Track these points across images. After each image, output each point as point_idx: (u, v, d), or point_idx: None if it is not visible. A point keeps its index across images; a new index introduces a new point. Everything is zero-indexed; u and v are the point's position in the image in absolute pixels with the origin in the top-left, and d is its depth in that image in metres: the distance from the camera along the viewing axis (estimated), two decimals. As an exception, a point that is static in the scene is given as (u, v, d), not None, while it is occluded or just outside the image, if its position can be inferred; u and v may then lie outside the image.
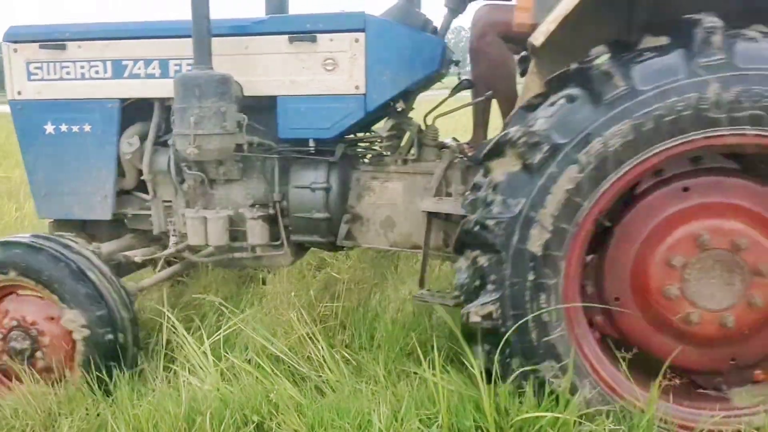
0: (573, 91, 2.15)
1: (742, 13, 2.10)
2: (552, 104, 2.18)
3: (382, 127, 3.36)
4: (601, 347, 2.43)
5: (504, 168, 2.23)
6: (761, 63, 2.00)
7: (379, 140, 3.35)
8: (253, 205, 3.20)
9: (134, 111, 3.27)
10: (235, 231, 3.18)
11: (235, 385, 2.63)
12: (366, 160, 3.33)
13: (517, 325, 2.24)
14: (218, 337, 2.97)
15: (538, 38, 2.23)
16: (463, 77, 3.44)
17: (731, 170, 2.34)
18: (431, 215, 2.84)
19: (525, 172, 2.18)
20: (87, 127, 3.34)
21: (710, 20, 2.03)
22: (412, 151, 3.22)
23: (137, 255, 3.25)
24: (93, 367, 2.70)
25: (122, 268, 3.33)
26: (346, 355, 2.94)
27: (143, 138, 3.24)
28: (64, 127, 3.39)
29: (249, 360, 2.86)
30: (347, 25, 2.93)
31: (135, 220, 3.41)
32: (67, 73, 3.33)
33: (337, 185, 3.10)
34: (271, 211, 3.17)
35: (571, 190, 2.14)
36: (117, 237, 3.45)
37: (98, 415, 2.56)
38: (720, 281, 2.27)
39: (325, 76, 2.98)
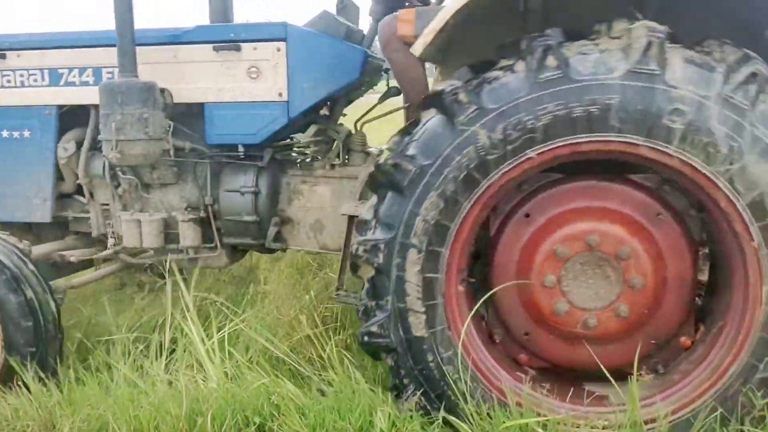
0: (432, 114, 2.24)
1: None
2: (417, 129, 2.26)
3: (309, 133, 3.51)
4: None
5: (382, 191, 2.31)
6: (591, 73, 2.08)
7: (307, 146, 3.46)
8: (186, 209, 3.31)
9: (72, 117, 3.38)
10: (171, 233, 3.29)
11: (236, 385, 2.63)
12: (298, 165, 3.44)
13: (400, 345, 2.34)
14: (221, 336, 2.97)
15: (417, 49, 2.35)
16: (393, 85, 3.53)
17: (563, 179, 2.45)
18: (352, 218, 2.87)
19: (398, 194, 2.25)
20: (26, 133, 3.44)
21: (544, 38, 2.12)
22: (341, 156, 3.32)
23: (73, 255, 3.36)
24: (14, 350, 2.82)
25: (60, 267, 3.43)
26: (349, 356, 2.93)
27: (80, 143, 3.35)
28: (5, 133, 3.48)
29: (251, 360, 2.87)
30: (269, 35, 3.06)
31: (76, 223, 3.53)
32: (8, 81, 3.44)
33: (266, 189, 3.21)
34: (203, 214, 3.28)
35: (436, 214, 2.21)
36: (61, 238, 3.59)
37: (99, 416, 2.55)
38: (594, 279, 2.40)
39: (250, 83, 3.11)
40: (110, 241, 3.43)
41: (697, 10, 2.35)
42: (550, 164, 2.24)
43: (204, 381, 2.67)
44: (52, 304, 2.97)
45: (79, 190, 3.47)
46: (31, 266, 2.97)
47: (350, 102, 3.67)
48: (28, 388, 2.73)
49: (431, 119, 2.23)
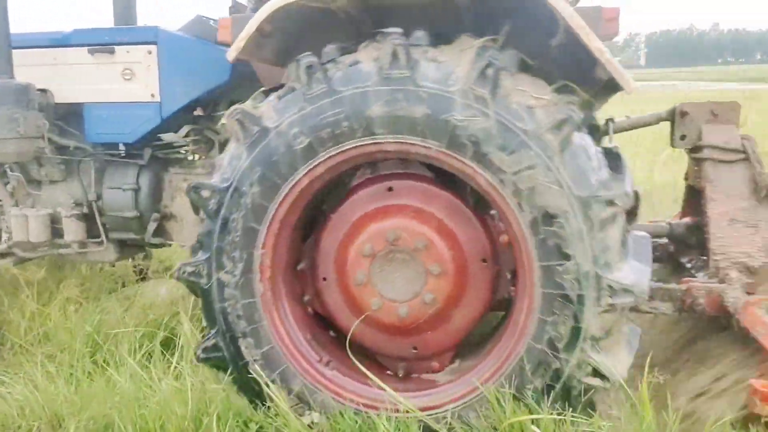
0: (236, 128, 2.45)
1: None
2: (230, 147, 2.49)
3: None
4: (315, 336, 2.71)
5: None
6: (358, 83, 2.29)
7: (186, 145, 3.53)
8: (72, 205, 3.42)
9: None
10: (61, 228, 3.39)
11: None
12: (180, 164, 3.56)
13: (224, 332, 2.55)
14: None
15: (231, 54, 2.54)
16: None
17: (428, 178, 2.61)
18: None
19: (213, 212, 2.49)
20: None
21: (308, 59, 2.33)
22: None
23: None
24: None
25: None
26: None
27: None
28: None
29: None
30: (141, 38, 3.21)
31: None
32: None
33: (147, 186, 3.34)
34: (86, 210, 3.40)
35: (256, 194, 2.42)
36: None
37: (105, 414, 2.57)
38: (402, 276, 2.53)
39: (124, 85, 3.25)
40: (4, 236, 3.53)
41: (506, 18, 2.44)
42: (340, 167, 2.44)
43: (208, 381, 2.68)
44: None
45: None
46: None
47: (233, 103, 3.74)
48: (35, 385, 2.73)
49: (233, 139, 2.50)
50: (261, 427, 2.50)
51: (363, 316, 2.57)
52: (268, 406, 2.49)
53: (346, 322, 2.68)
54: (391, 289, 2.55)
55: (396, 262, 2.54)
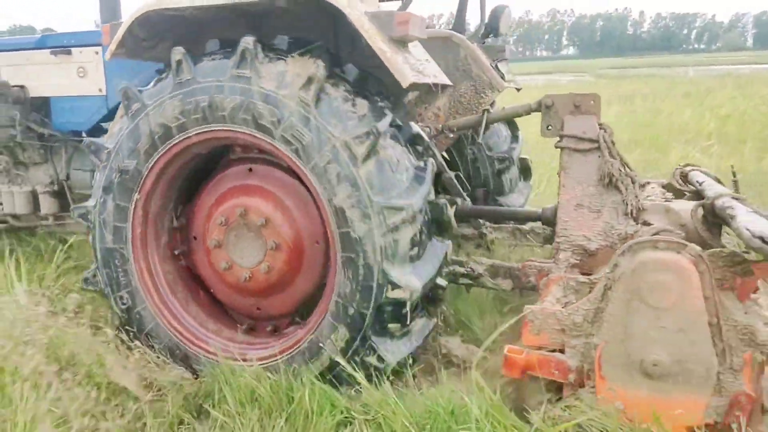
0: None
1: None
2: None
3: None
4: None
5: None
6: (210, 76, 2.71)
7: None
8: (48, 183, 4.20)
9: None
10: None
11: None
12: None
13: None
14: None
15: (107, 55, 3.02)
16: None
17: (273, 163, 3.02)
18: None
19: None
20: None
21: (178, 53, 2.74)
22: None
23: None
24: None
25: None
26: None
27: None
28: None
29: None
30: (90, 41, 3.80)
31: None
32: None
33: None
34: (56, 188, 4.15)
35: (131, 158, 2.92)
36: None
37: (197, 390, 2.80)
38: (249, 245, 2.95)
39: (79, 81, 3.93)
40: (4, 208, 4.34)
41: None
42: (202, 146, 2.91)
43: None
44: None
45: None
46: None
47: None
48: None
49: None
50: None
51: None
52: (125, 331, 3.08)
53: (208, 277, 3.23)
54: (239, 255, 2.99)
55: (244, 233, 2.96)
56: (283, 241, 2.88)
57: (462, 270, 3.21)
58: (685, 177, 3.31)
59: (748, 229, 2.10)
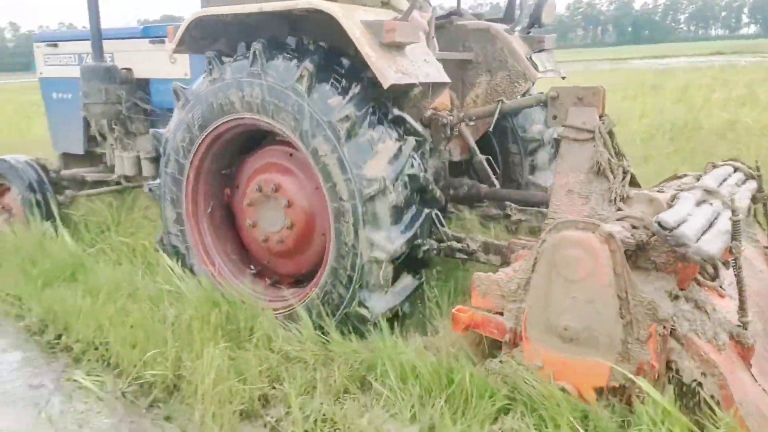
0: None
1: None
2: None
3: None
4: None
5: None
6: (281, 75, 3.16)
7: None
8: (148, 150, 4.88)
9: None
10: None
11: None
12: None
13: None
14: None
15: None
16: None
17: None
18: None
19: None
20: (68, 96, 5.36)
21: (210, 54, 3.47)
22: None
23: (89, 175, 5.36)
24: (28, 208, 4.87)
25: (84, 183, 5.40)
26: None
27: None
28: (56, 95, 5.58)
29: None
30: None
31: (100, 156, 5.42)
32: (59, 61, 5.56)
33: None
34: (155, 154, 4.44)
35: (185, 140, 3.60)
36: (96, 165, 5.53)
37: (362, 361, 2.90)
38: (269, 214, 3.58)
39: (170, 66, 4.67)
40: (116, 171, 5.17)
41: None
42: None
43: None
44: (53, 201, 5.04)
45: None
46: (45, 178, 5.07)
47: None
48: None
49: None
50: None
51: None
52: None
53: (241, 226, 3.85)
54: (262, 219, 3.63)
55: (269, 203, 3.57)
56: (298, 218, 3.48)
57: (458, 246, 3.50)
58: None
59: (658, 216, 2.31)
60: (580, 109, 3.17)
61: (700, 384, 2.27)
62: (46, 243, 4.49)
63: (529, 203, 4.01)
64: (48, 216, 4.92)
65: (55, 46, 5.61)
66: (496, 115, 3.73)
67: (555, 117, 3.27)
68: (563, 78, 4.59)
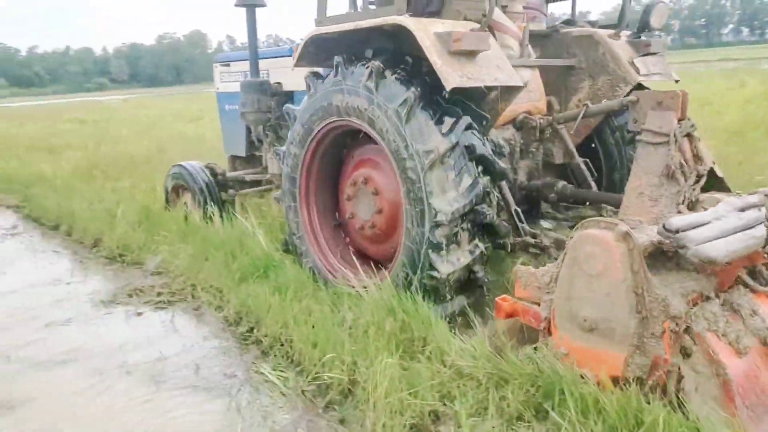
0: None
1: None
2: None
3: None
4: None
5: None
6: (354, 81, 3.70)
7: None
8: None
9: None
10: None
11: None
12: None
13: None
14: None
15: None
16: None
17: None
18: None
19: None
20: (235, 107, 6.07)
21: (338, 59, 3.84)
22: None
23: (248, 176, 6.28)
24: (200, 205, 5.80)
25: (245, 183, 6.30)
26: None
27: None
28: (228, 107, 6.61)
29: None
30: None
31: (258, 158, 6.23)
32: (232, 78, 6.60)
33: None
34: None
35: (299, 141, 4.21)
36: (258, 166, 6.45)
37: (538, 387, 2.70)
38: (364, 204, 4.07)
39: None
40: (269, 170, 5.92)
41: None
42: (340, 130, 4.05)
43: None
44: (218, 199, 5.90)
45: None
46: (212, 180, 5.89)
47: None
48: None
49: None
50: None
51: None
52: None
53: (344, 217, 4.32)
54: (359, 209, 4.09)
55: (365, 195, 4.03)
56: (384, 205, 3.90)
57: (532, 241, 3.70)
58: None
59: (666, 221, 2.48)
60: (659, 112, 3.24)
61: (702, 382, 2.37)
62: (245, 240, 4.86)
63: (615, 204, 3.98)
64: (218, 210, 5.79)
65: (228, 65, 6.76)
66: (579, 119, 4.00)
67: (635, 121, 3.40)
68: (677, 81, 4.62)
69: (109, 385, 3.47)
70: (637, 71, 4.34)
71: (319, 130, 4.04)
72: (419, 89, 3.43)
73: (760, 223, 2.56)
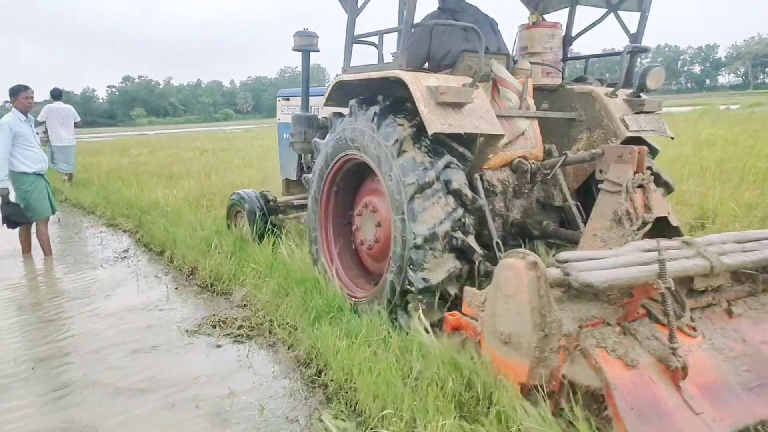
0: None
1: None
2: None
3: None
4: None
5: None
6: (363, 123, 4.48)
7: None
8: None
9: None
10: None
11: None
12: None
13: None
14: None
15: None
16: None
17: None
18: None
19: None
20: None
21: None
22: None
23: (296, 201, 7.10)
24: (250, 221, 6.75)
25: (293, 207, 7.13)
26: None
27: None
28: (287, 136, 7.10)
29: None
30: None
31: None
32: (290, 111, 7.42)
33: None
34: None
35: (321, 170, 5.07)
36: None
37: None
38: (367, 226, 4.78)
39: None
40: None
41: None
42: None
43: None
44: (269, 221, 6.78)
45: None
46: (263, 204, 6.81)
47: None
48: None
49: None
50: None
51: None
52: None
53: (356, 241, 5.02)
54: (365, 230, 4.79)
55: (369, 218, 4.71)
56: (383, 221, 4.56)
57: (491, 268, 3.87)
58: None
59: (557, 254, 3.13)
60: (618, 165, 3.84)
61: (590, 388, 2.75)
62: (322, 280, 4.85)
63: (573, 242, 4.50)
64: (267, 231, 6.61)
65: (288, 99, 7.73)
66: (557, 167, 4.62)
67: (601, 171, 3.97)
68: (672, 138, 5.09)
69: (178, 420, 3.53)
70: (627, 127, 4.74)
71: (335, 162, 4.82)
72: (411, 131, 4.08)
73: (657, 261, 2.90)
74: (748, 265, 3.34)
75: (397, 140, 4.04)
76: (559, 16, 5.60)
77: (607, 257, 3.05)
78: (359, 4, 4.75)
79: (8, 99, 7.57)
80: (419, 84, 4.01)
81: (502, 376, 2.95)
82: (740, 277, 3.54)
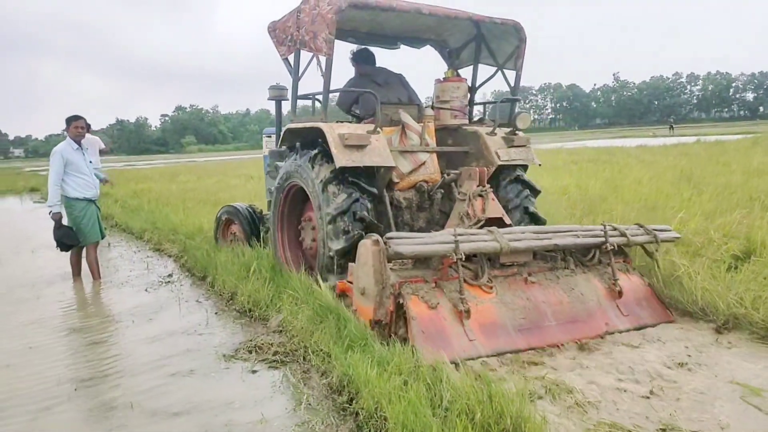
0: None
1: None
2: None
3: None
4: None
5: None
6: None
7: None
8: None
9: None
10: None
11: None
12: None
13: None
14: None
15: (278, 147, 7.36)
16: None
17: None
18: None
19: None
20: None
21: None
22: None
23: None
24: (246, 235, 8.20)
25: None
26: None
27: None
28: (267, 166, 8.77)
29: None
30: None
31: None
32: (271, 146, 8.20)
33: None
34: None
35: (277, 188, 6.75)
36: None
37: None
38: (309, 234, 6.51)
39: None
40: None
41: None
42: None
43: None
44: (257, 230, 8.10)
45: None
46: (255, 218, 8.20)
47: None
48: None
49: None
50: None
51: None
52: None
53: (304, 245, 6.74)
54: (305, 238, 6.58)
55: (308, 229, 6.50)
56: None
57: None
58: None
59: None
60: (468, 181, 5.91)
61: (405, 321, 4.43)
62: (346, 311, 4.89)
63: None
64: (258, 241, 7.86)
65: (270, 137, 8.94)
66: (438, 185, 6.48)
67: (460, 185, 6.02)
68: (539, 165, 6.76)
69: (209, 444, 3.57)
70: (499, 157, 6.42)
71: (287, 186, 6.47)
72: (335, 172, 5.62)
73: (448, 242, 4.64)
74: (534, 248, 4.97)
75: (322, 180, 5.64)
76: (468, 72, 7.43)
77: (424, 238, 4.63)
78: (299, 72, 6.41)
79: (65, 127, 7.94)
80: (333, 132, 5.62)
81: (361, 316, 4.70)
82: (546, 257, 5.24)
